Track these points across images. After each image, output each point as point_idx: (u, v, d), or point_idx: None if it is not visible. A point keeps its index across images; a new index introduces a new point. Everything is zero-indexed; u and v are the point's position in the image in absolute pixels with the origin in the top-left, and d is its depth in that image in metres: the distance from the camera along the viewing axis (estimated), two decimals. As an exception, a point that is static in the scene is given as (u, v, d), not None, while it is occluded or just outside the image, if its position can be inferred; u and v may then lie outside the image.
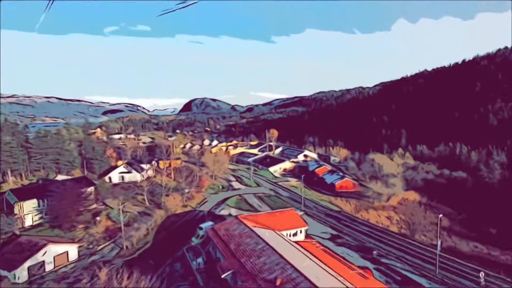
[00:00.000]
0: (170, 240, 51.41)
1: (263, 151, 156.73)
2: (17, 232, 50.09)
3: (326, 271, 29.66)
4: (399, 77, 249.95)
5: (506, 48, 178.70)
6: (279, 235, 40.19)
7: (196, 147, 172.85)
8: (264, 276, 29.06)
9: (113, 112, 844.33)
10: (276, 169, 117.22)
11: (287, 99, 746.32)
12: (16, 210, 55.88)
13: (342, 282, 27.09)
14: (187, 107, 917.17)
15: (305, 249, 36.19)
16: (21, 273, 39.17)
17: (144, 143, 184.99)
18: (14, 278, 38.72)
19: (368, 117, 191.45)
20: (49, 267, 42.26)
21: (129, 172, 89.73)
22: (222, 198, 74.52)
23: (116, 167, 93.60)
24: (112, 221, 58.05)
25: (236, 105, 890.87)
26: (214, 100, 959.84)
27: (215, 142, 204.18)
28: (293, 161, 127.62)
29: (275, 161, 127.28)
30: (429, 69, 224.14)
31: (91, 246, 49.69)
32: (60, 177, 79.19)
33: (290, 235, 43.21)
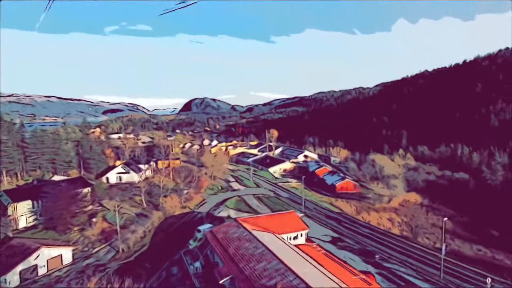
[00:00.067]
0: (168, 242, 50.25)
1: (263, 152, 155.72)
2: (10, 234, 48.98)
3: (328, 276, 28.57)
4: (399, 78, 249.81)
5: (507, 48, 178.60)
6: (279, 238, 39.07)
7: (196, 147, 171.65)
8: (264, 282, 27.89)
9: (113, 112, 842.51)
10: (276, 170, 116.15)
11: (287, 99, 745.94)
12: (9, 212, 54.59)
13: (345, 290, 25.97)
14: (187, 107, 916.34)
15: (306, 253, 35.07)
16: (13, 278, 37.97)
17: (143, 142, 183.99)
18: (5, 282, 37.53)
19: (368, 118, 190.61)
20: (42, 271, 41.05)
21: (127, 172, 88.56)
22: (221, 199, 73.28)
23: (114, 167, 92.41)
24: (108, 223, 56.79)
25: (236, 105, 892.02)
26: (214, 100, 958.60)
27: (214, 142, 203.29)
28: (293, 162, 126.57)
29: (275, 161, 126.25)
30: (430, 69, 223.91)
31: (86, 249, 48.52)
32: (56, 178, 77.98)
33: (290, 239, 42.06)
